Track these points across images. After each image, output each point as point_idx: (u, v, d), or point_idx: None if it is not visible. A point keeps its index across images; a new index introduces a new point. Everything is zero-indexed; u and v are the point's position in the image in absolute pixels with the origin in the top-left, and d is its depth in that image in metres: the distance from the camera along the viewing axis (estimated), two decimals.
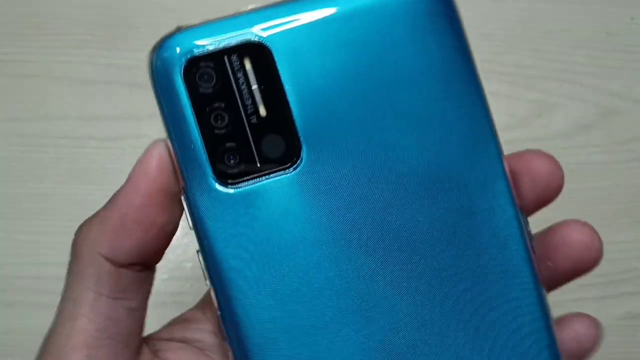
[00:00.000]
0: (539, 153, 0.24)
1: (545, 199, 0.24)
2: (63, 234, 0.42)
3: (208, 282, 0.22)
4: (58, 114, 0.44)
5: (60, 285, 0.38)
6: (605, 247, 0.24)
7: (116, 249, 0.22)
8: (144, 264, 0.23)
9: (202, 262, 0.22)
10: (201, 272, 0.22)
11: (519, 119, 0.45)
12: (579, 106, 0.46)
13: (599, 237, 0.24)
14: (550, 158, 0.23)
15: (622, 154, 0.45)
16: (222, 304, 0.22)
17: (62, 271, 0.38)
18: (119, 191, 0.23)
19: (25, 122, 0.44)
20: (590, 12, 0.47)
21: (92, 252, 0.22)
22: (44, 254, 0.41)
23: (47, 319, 0.39)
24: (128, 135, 0.43)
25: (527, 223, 0.23)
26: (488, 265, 0.23)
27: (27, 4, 0.45)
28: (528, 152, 0.24)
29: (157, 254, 0.23)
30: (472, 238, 0.22)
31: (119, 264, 0.23)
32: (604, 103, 0.46)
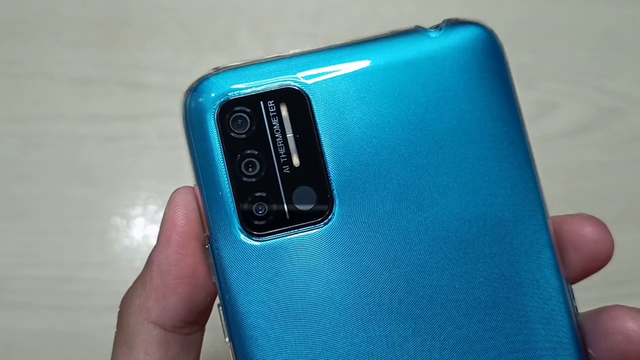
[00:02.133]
0: (588, 219, 0.22)
1: (591, 269, 0.22)
2: (61, 234, 0.42)
3: (227, 339, 0.21)
4: (55, 113, 0.43)
5: (58, 286, 0.38)
6: None
7: (164, 310, 0.21)
8: (194, 322, 0.22)
9: (222, 317, 0.21)
10: (220, 328, 0.21)
11: None
12: (580, 106, 0.45)
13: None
14: (600, 225, 0.22)
15: (623, 153, 0.45)
16: None
17: (60, 271, 0.37)
18: (153, 250, 0.22)
19: (23, 122, 0.43)
20: (590, 11, 0.47)
21: (139, 319, 0.21)
22: (42, 254, 0.41)
23: (45, 319, 0.39)
24: (125, 135, 0.43)
25: (573, 297, 0.22)
26: (529, 341, 0.21)
27: (23, 3, 0.45)
28: (577, 216, 0.22)
29: (207, 308, 0.22)
30: (512, 310, 0.21)
31: (168, 328, 0.22)
32: (604, 103, 0.45)
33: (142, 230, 0.42)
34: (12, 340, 0.40)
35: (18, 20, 0.45)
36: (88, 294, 0.40)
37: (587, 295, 0.42)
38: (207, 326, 0.24)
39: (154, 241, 0.42)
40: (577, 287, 0.26)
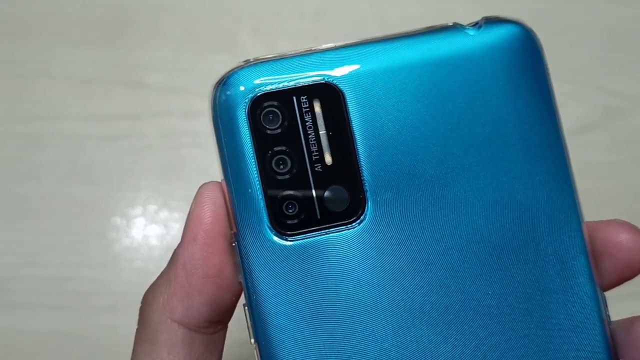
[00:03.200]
0: (623, 225, 0.21)
1: (625, 277, 0.21)
2: (61, 234, 0.42)
3: (253, 340, 0.20)
4: (56, 113, 0.43)
5: (58, 286, 0.38)
6: None
7: (189, 309, 0.21)
8: (218, 322, 0.22)
9: (248, 317, 0.20)
10: (246, 330, 0.21)
11: None
12: (582, 106, 0.45)
13: None
14: (635, 232, 0.21)
15: (625, 153, 0.45)
16: None
17: (61, 272, 0.37)
18: (178, 247, 0.21)
19: (24, 121, 0.43)
20: (592, 11, 0.47)
21: (163, 317, 0.21)
22: (43, 254, 0.41)
23: (45, 319, 0.39)
24: (127, 135, 0.43)
25: (606, 305, 0.21)
26: (561, 350, 0.20)
27: (24, 2, 0.45)
28: (612, 223, 0.22)
29: (231, 307, 0.22)
30: (545, 318, 0.20)
31: (193, 327, 0.21)
32: (606, 103, 0.45)
33: (142, 230, 0.42)
34: (12, 340, 0.40)
35: (19, 20, 0.45)
36: (88, 294, 0.40)
37: None
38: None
39: (154, 241, 0.43)
40: None
